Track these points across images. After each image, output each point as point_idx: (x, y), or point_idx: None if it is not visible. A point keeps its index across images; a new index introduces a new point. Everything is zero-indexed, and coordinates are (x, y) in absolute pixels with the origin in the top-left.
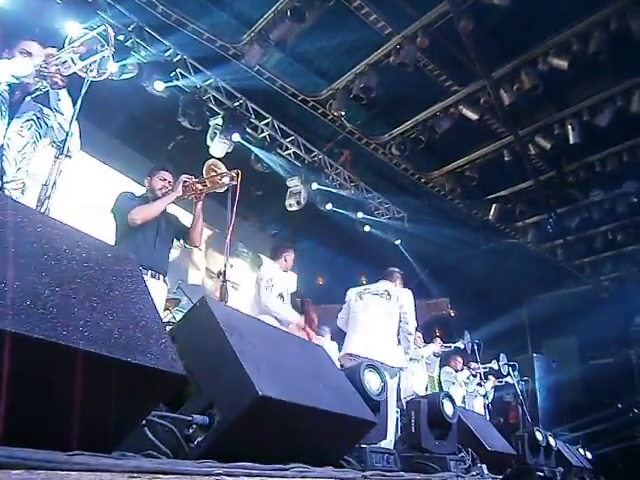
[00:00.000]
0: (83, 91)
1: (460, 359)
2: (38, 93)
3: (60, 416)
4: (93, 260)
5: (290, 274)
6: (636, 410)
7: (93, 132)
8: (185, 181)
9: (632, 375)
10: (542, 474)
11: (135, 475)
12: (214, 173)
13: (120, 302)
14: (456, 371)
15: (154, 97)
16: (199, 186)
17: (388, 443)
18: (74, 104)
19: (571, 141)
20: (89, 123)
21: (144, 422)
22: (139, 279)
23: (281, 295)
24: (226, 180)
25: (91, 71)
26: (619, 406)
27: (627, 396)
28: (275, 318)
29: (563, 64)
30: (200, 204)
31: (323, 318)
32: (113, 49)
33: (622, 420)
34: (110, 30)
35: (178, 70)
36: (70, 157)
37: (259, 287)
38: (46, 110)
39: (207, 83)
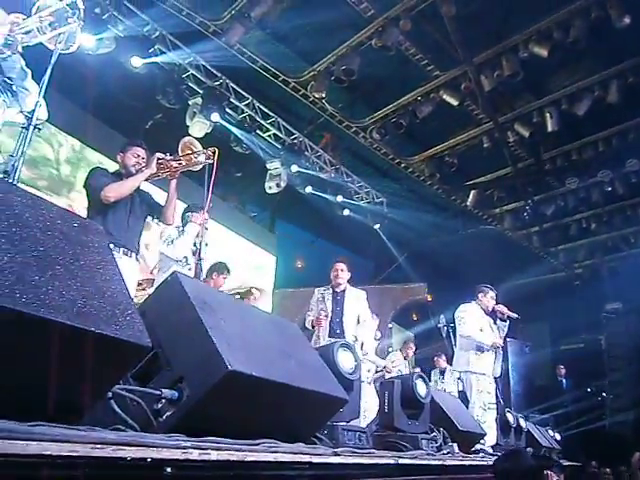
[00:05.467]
0: (52, 61)
1: (443, 358)
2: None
3: (20, 386)
4: (58, 229)
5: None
6: (604, 394)
7: (68, 107)
8: (159, 158)
9: (601, 360)
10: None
11: (98, 447)
12: (189, 151)
13: (85, 272)
14: (441, 373)
15: (132, 74)
16: (174, 164)
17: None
18: (43, 75)
19: (549, 129)
20: (64, 98)
21: (111, 396)
22: (106, 250)
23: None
24: (201, 158)
25: (59, 43)
26: (588, 390)
27: (596, 380)
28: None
29: (543, 52)
30: (174, 182)
31: (301, 301)
32: (82, 22)
33: (591, 403)
34: (80, 2)
35: (157, 46)
36: (40, 129)
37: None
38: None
39: (187, 61)
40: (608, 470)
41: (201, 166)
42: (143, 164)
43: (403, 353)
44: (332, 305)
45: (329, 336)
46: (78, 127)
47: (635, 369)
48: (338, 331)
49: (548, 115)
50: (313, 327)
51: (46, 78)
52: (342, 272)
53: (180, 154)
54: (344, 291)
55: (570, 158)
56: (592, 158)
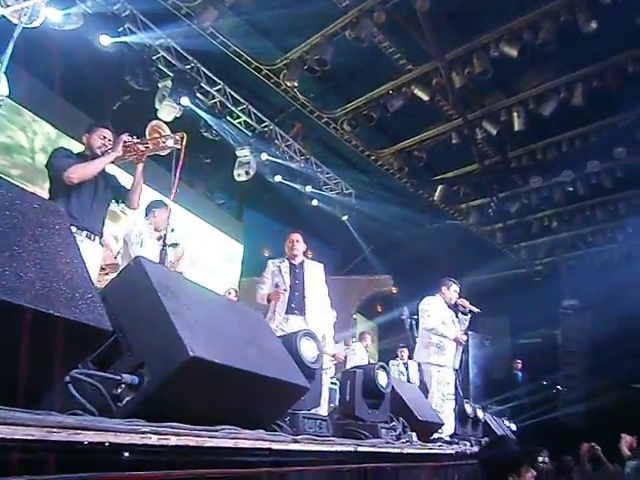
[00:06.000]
0: (15, 35)
1: (406, 350)
2: None
3: None
4: (17, 209)
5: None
6: (558, 387)
7: (32, 84)
8: (126, 141)
9: (557, 354)
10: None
11: (55, 430)
12: (157, 135)
13: (45, 254)
14: (404, 364)
15: (100, 52)
16: (141, 147)
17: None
18: (5, 49)
19: (516, 128)
20: (28, 74)
21: (69, 380)
22: (67, 233)
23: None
24: (170, 143)
25: (23, 16)
26: (544, 383)
27: (551, 373)
28: None
29: (513, 52)
30: (141, 166)
31: None
32: None
33: (545, 395)
34: None
35: (126, 25)
36: (0, 105)
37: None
38: None
39: (157, 42)
40: (546, 460)
41: (169, 151)
42: (109, 146)
43: (363, 343)
44: (290, 279)
45: (286, 312)
46: (41, 105)
47: (588, 364)
48: (294, 306)
49: (515, 114)
50: (268, 301)
51: (8, 52)
52: (298, 243)
53: (148, 137)
54: (302, 264)
55: (535, 157)
56: (556, 158)
